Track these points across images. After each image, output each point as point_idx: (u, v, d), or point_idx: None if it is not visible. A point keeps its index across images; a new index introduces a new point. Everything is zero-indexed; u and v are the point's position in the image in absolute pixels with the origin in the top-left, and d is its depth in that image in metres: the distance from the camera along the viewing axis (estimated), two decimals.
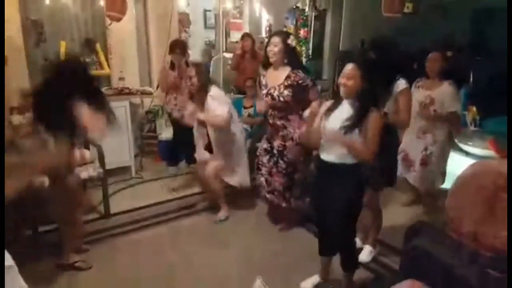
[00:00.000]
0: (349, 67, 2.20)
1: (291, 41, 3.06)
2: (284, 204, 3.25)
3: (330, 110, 2.31)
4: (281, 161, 3.16)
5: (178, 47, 4.10)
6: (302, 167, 3.20)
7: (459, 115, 3.47)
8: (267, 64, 3.14)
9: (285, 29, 6.13)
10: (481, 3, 6.15)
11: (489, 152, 4.40)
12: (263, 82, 3.16)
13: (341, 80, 2.22)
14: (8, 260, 1.62)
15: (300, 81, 2.99)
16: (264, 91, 3.12)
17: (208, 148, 3.52)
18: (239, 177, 3.55)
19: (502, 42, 3.53)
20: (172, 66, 4.17)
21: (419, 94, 3.34)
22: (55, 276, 2.69)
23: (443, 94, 3.26)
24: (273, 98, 3.05)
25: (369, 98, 2.21)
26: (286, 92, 2.99)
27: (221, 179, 3.53)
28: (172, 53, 4.10)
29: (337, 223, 2.35)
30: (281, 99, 3.01)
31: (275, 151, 3.18)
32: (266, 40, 6.09)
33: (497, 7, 5.25)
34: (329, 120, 2.28)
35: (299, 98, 3.03)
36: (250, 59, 4.94)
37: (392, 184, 2.94)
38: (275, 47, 2.99)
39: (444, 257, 1.83)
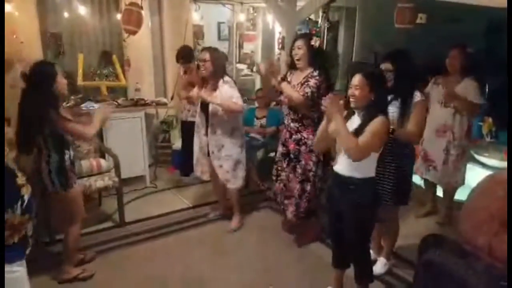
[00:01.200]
0: (357, 78, 2.20)
1: (314, 42, 3.07)
2: (298, 214, 3.19)
3: (346, 119, 2.29)
4: (298, 166, 3.15)
5: (183, 54, 4.21)
6: (316, 177, 3.16)
7: (478, 110, 3.41)
8: (292, 66, 3.15)
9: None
10: (495, 14, 6.11)
11: (505, 163, 4.34)
12: (289, 78, 3.15)
13: (350, 91, 2.23)
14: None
15: (316, 82, 2.97)
16: None
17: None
18: (235, 178, 3.44)
19: None
20: (186, 73, 4.25)
21: (438, 91, 3.32)
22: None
23: (465, 89, 3.21)
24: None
25: (376, 107, 2.21)
26: (303, 91, 2.98)
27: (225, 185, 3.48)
28: (179, 61, 4.22)
29: (351, 236, 2.34)
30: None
31: (291, 155, 3.17)
32: (278, 54, 6.18)
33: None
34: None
35: (314, 100, 2.98)
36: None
37: (406, 203, 2.85)
38: (299, 50, 3.02)
39: (458, 269, 1.81)
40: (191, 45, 5.02)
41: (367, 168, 2.25)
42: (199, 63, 3.25)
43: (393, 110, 2.56)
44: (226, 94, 3.17)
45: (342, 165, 2.29)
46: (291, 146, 3.16)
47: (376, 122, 2.15)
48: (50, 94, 2.51)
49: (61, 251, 2.87)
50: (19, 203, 1.58)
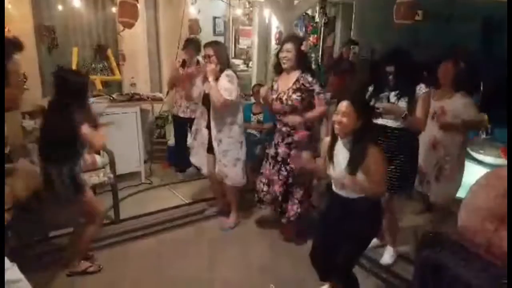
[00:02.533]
0: (344, 104, 2.13)
1: (305, 47, 3.05)
2: (280, 214, 3.23)
3: (331, 146, 2.26)
4: (283, 169, 3.14)
5: (193, 43, 4.23)
6: (303, 180, 3.16)
7: (484, 123, 3.42)
8: (279, 69, 3.13)
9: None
10: (490, 11, 6.11)
11: (501, 160, 4.35)
12: (275, 87, 3.14)
13: (336, 117, 2.14)
14: (16, 273, 1.60)
15: (307, 85, 2.98)
16: (274, 96, 3.10)
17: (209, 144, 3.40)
18: (232, 174, 3.38)
19: None
20: (183, 64, 4.22)
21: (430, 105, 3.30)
22: (60, 282, 2.71)
23: (456, 105, 3.16)
24: (281, 102, 3.04)
25: (365, 135, 2.14)
26: (294, 96, 2.98)
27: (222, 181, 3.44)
28: (185, 48, 4.21)
29: (345, 250, 2.28)
30: (289, 102, 2.99)
31: (279, 158, 3.16)
32: (275, 49, 6.15)
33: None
34: (334, 158, 2.23)
35: (306, 104, 3.02)
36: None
37: (410, 190, 2.93)
38: (288, 53, 2.98)
39: (457, 267, 1.80)
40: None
41: None
42: (204, 60, 3.30)
43: (401, 105, 2.67)
44: (219, 85, 3.13)
45: (338, 186, 2.26)
46: (282, 149, 3.15)
47: (374, 158, 2.09)
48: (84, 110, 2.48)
49: (61, 247, 2.87)
50: None
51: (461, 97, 3.18)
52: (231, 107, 3.21)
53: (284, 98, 3.02)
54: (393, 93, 2.71)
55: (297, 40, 3.07)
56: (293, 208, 3.16)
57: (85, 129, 2.43)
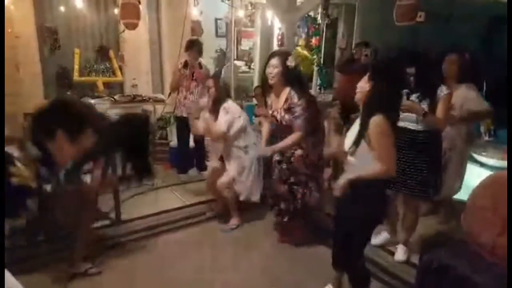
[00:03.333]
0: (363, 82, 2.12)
1: (290, 62, 2.97)
2: (284, 216, 3.20)
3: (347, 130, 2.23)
4: (285, 168, 3.11)
5: (196, 45, 4.24)
6: (308, 180, 3.13)
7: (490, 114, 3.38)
8: (266, 86, 3.09)
9: (296, 38, 6.14)
10: (494, 11, 6.09)
11: (504, 163, 4.32)
12: (268, 102, 3.15)
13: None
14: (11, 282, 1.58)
15: (292, 106, 2.91)
16: (270, 111, 3.11)
17: (221, 158, 3.54)
18: (247, 191, 3.48)
19: None
20: (185, 66, 4.22)
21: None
22: (63, 284, 2.69)
23: (462, 98, 3.13)
24: (277, 120, 3.03)
25: (374, 104, 2.05)
26: (287, 117, 2.94)
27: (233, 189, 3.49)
28: (189, 50, 4.21)
29: (352, 238, 2.26)
30: (284, 123, 2.98)
31: (284, 158, 3.12)
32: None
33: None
34: (346, 139, 2.20)
35: (309, 123, 2.97)
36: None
37: (436, 195, 2.89)
38: (274, 69, 2.93)
39: (461, 268, 1.79)
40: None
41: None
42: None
43: (423, 107, 2.69)
44: (218, 122, 3.35)
45: (351, 173, 2.18)
46: (287, 154, 3.09)
47: (373, 126, 1.99)
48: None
49: (62, 248, 2.86)
50: None
51: (466, 88, 3.16)
52: (231, 137, 3.37)
53: (278, 117, 3.01)
54: (414, 95, 2.72)
55: (283, 55, 3.00)
56: (291, 208, 3.14)
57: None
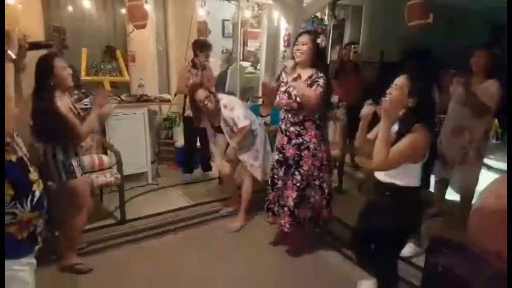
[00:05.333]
0: (401, 79, 2.05)
1: (321, 41, 2.82)
2: (293, 225, 2.98)
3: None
4: (296, 173, 2.91)
5: (209, 45, 4.28)
6: (323, 183, 2.99)
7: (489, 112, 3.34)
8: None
9: None
10: (502, 16, 6.04)
11: None
12: (283, 78, 2.92)
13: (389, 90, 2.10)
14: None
15: (324, 82, 2.76)
16: (283, 89, 2.88)
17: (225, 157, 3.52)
18: (264, 172, 3.48)
19: None
20: (193, 65, 4.23)
21: (459, 92, 3.30)
22: (64, 281, 2.71)
23: (485, 91, 3.17)
24: (290, 96, 2.81)
25: (417, 114, 2.00)
26: (307, 92, 2.73)
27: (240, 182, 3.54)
28: (203, 50, 4.22)
29: (379, 246, 2.25)
30: (298, 99, 2.77)
31: (290, 162, 2.91)
32: (283, 52, 6.13)
33: None
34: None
35: (324, 101, 2.81)
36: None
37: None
38: (303, 46, 2.77)
39: (466, 274, 1.77)
40: None
41: (409, 176, 2.08)
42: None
43: None
44: (229, 118, 3.31)
45: (382, 172, 2.13)
46: (290, 151, 2.91)
47: (413, 134, 1.95)
48: (48, 86, 2.54)
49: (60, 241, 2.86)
50: (29, 198, 1.54)
51: (493, 83, 3.20)
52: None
53: (293, 93, 2.79)
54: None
55: (313, 33, 2.92)
56: (307, 214, 3.00)
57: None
